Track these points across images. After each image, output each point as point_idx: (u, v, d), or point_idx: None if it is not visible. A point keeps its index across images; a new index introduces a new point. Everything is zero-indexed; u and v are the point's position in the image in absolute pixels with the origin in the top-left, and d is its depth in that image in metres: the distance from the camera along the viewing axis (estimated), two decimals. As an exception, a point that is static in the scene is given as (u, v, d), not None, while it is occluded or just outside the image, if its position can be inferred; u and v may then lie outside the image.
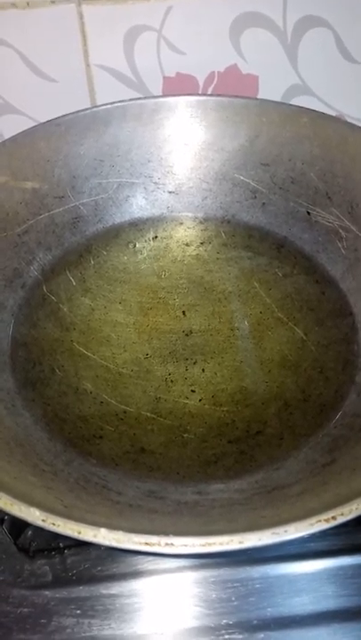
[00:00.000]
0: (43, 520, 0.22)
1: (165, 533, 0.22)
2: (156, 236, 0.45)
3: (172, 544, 0.21)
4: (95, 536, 0.22)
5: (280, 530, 0.21)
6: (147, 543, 0.21)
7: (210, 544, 0.21)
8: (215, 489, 0.30)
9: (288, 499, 0.27)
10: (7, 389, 0.35)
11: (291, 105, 0.43)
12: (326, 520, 0.22)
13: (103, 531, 0.22)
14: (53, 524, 0.22)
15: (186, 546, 0.21)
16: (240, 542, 0.21)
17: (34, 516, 0.22)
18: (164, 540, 0.21)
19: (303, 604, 0.34)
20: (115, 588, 0.34)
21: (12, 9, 0.43)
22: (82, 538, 0.22)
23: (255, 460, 0.33)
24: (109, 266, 0.44)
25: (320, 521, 0.22)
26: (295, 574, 0.34)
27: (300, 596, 0.34)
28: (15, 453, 0.29)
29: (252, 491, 0.30)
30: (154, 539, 0.22)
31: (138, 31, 0.46)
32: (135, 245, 0.45)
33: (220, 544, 0.21)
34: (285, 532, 0.21)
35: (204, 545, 0.21)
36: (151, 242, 0.45)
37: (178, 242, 0.45)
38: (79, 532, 0.22)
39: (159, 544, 0.21)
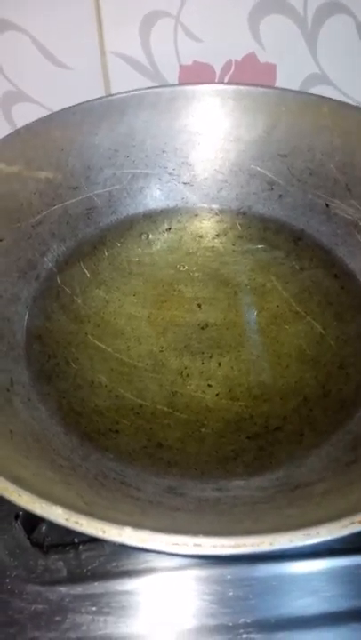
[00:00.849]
0: (66, 519, 0.21)
1: (193, 533, 0.21)
2: (170, 228, 0.45)
3: (200, 545, 0.21)
4: (120, 535, 0.21)
5: (312, 531, 0.21)
6: (175, 544, 0.21)
7: (239, 545, 0.21)
8: (236, 486, 0.30)
9: (312, 498, 0.27)
10: (22, 383, 0.34)
11: (311, 94, 0.42)
12: (360, 522, 0.21)
13: (128, 530, 0.21)
14: (77, 523, 0.21)
15: (215, 547, 0.21)
16: (271, 544, 0.21)
17: (56, 514, 0.22)
18: (192, 540, 0.21)
19: (321, 602, 0.33)
20: (130, 585, 0.33)
21: (28, -6, 0.43)
22: (106, 537, 0.21)
23: (275, 457, 0.32)
24: (123, 258, 0.43)
25: (353, 522, 0.21)
26: (312, 572, 0.34)
27: (317, 595, 0.33)
28: (32, 448, 0.29)
29: (274, 489, 0.29)
30: (181, 539, 0.21)
31: (155, 18, 0.45)
32: (149, 237, 0.44)
33: (251, 545, 0.20)
34: (318, 533, 0.21)
35: (233, 546, 0.20)
36: (165, 234, 0.44)
37: (192, 234, 0.45)
38: (104, 532, 0.21)
39: (187, 545, 0.21)
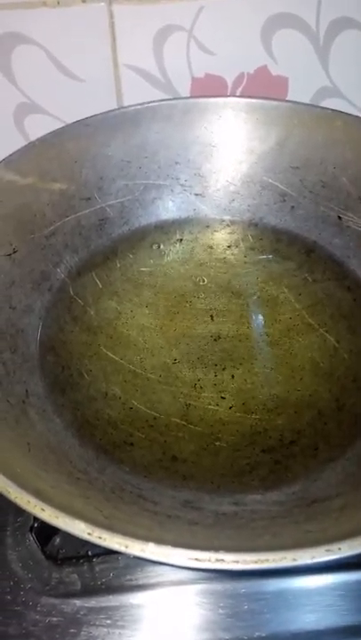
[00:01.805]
0: (88, 533, 0.21)
1: (213, 548, 0.21)
2: (182, 239, 0.45)
3: (222, 560, 0.21)
4: (143, 550, 0.21)
5: (334, 547, 0.21)
6: (197, 559, 0.21)
7: (262, 561, 0.21)
8: (252, 500, 0.30)
9: (330, 512, 0.27)
10: (38, 394, 0.34)
11: (324, 108, 0.42)
12: (381, 538, 0.21)
13: (151, 545, 0.21)
14: (99, 538, 0.21)
15: (237, 562, 0.21)
16: (293, 560, 0.21)
17: (79, 529, 0.22)
18: (214, 555, 0.21)
19: (335, 616, 0.33)
20: (144, 598, 0.33)
21: (43, 7, 0.43)
22: (129, 552, 0.21)
23: (291, 471, 0.32)
24: (135, 269, 0.43)
25: (375, 539, 0.21)
26: (326, 586, 0.34)
27: (331, 610, 0.33)
28: (50, 461, 0.29)
29: (291, 503, 0.29)
30: (203, 554, 0.21)
31: (168, 31, 0.45)
32: (161, 247, 0.44)
33: (273, 561, 0.20)
34: (339, 549, 0.21)
35: (256, 562, 0.21)
36: (177, 245, 0.44)
37: (204, 245, 0.45)
38: (126, 547, 0.21)
39: (209, 560, 0.21)
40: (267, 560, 0.21)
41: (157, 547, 0.21)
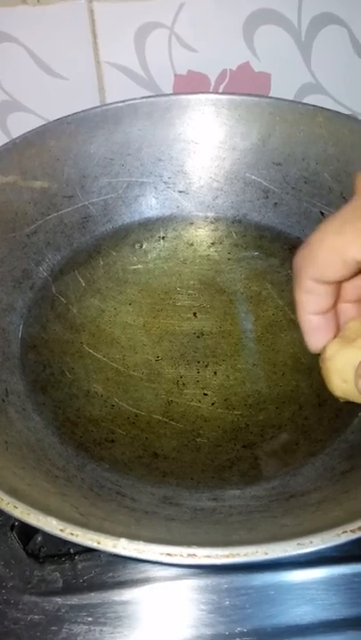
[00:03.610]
0: (61, 530, 0.21)
1: (187, 543, 0.21)
2: (166, 237, 0.45)
3: (194, 555, 0.21)
4: (115, 546, 0.21)
5: (305, 541, 0.21)
6: (168, 554, 0.21)
7: (233, 555, 0.21)
8: (231, 495, 0.30)
9: (307, 507, 0.27)
10: (17, 392, 0.34)
11: (305, 104, 0.42)
12: (353, 531, 0.21)
13: (123, 541, 0.21)
14: (72, 534, 0.21)
15: (209, 557, 0.21)
16: (265, 553, 0.21)
17: (51, 525, 0.22)
18: (186, 550, 0.21)
19: (317, 611, 0.33)
20: (126, 595, 0.33)
21: (23, 6, 0.43)
22: (101, 548, 0.21)
23: (271, 466, 0.32)
24: (119, 267, 0.43)
25: (346, 532, 0.21)
26: (309, 581, 0.34)
27: (314, 604, 0.33)
28: (28, 459, 0.29)
29: (270, 498, 0.29)
30: (176, 549, 0.21)
31: (149, 28, 0.45)
32: (144, 246, 0.44)
33: (245, 555, 0.20)
34: (311, 542, 0.21)
35: (227, 556, 0.21)
36: (161, 242, 0.44)
37: (188, 242, 0.45)
38: (98, 543, 0.21)
39: (181, 555, 0.21)
40: (238, 554, 0.21)
41: (130, 542, 0.21)
